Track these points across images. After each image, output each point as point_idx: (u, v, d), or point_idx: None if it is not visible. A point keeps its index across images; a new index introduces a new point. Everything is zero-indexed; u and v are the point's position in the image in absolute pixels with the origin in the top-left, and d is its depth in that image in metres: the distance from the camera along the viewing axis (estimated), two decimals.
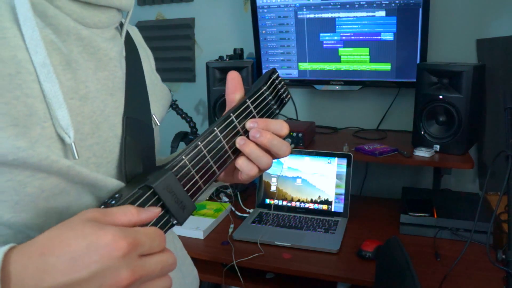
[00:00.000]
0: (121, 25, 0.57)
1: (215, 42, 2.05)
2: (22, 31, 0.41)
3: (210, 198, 1.76)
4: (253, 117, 0.57)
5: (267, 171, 1.62)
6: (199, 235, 1.44)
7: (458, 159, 1.47)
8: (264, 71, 1.90)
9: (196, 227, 1.46)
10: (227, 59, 1.79)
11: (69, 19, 0.47)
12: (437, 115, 1.51)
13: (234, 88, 0.58)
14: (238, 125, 0.55)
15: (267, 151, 0.55)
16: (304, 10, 1.75)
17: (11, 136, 0.39)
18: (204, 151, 0.52)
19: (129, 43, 0.59)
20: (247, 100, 0.57)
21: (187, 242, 1.41)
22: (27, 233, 0.42)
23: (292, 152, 1.60)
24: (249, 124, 0.56)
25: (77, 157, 0.44)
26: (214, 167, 0.54)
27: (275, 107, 0.60)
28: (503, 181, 0.87)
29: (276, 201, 1.62)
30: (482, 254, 1.26)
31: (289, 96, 0.64)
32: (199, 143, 0.52)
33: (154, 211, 0.43)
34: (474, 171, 1.76)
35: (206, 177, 0.53)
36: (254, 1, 1.79)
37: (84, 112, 0.47)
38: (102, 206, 0.45)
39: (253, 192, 1.74)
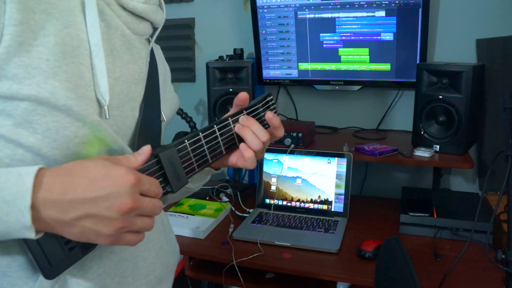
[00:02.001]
0: (149, 40, 0.72)
1: (215, 42, 2.05)
2: (86, 20, 0.56)
3: (210, 198, 1.76)
4: None
5: (267, 171, 1.62)
6: (199, 235, 1.44)
7: (458, 159, 1.47)
8: (264, 71, 1.90)
9: (196, 227, 1.47)
10: (227, 59, 1.79)
11: (118, 19, 0.62)
12: (437, 115, 1.51)
13: (241, 105, 0.72)
14: (233, 128, 0.69)
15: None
16: (304, 10, 1.75)
17: (65, 87, 0.52)
18: (203, 141, 0.65)
19: (152, 55, 0.72)
20: (244, 111, 0.71)
21: (187, 242, 1.41)
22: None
23: (292, 152, 1.61)
24: (241, 118, 0.70)
25: (108, 117, 0.57)
26: (208, 156, 0.66)
27: (265, 122, 0.73)
28: (503, 181, 0.87)
29: (276, 201, 1.62)
30: (482, 254, 1.26)
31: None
32: (200, 133, 0.65)
33: (145, 152, 0.55)
34: (474, 171, 1.76)
35: (200, 162, 0.65)
36: (254, 1, 1.79)
37: (115, 90, 0.60)
38: None
39: (253, 192, 1.74)
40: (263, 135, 0.68)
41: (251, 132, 0.68)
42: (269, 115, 0.71)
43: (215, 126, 0.66)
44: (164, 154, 0.58)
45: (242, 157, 0.69)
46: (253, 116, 0.71)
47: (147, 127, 0.65)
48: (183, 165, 0.61)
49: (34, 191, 0.45)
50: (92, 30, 0.56)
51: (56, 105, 0.51)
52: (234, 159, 0.71)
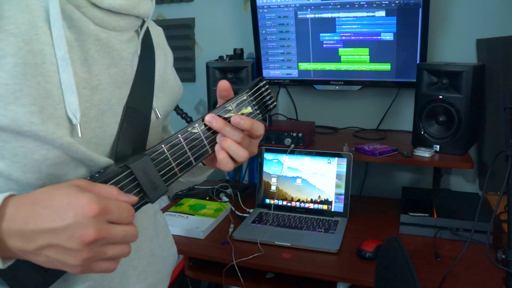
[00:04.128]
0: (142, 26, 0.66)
1: (215, 42, 2.05)
2: (51, 30, 0.52)
3: (210, 198, 1.76)
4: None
5: (267, 171, 1.62)
6: (199, 235, 1.44)
7: (458, 159, 1.47)
8: (264, 71, 1.90)
9: (196, 227, 1.46)
10: (227, 59, 1.79)
11: (90, 23, 0.57)
12: (437, 115, 1.51)
13: (225, 96, 0.65)
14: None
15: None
16: (304, 10, 1.75)
17: (28, 112, 0.49)
18: (183, 143, 0.59)
19: (147, 44, 0.67)
20: (229, 102, 0.63)
21: (187, 242, 1.41)
22: (29, 191, 0.50)
23: (292, 152, 1.60)
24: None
25: (80, 136, 0.53)
26: (191, 158, 0.60)
27: (258, 112, 0.66)
28: (503, 181, 0.87)
29: (276, 201, 1.62)
30: (482, 254, 1.26)
31: (274, 103, 0.70)
32: (179, 135, 0.59)
33: (131, 198, 0.51)
34: (474, 171, 1.76)
35: (182, 165, 0.59)
36: (254, 1, 1.79)
37: (93, 100, 0.56)
38: (88, 178, 0.53)
39: (253, 192, 1.74)
40: (237, 135, 0.61)
41: (230, 141, 0.61)
42: (235, 119, 0.61)
43: (196, 125, 0.60)
44: (135, 165, 0.54)
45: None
46: (242, 107, 0.64)
47: (130, 130, 0.61)
48: (161, 173, 0.57)
49: None
50: (57, 42, 0.51)
51: (20, 131, 0.49)
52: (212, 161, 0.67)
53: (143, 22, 0.66)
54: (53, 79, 0.51)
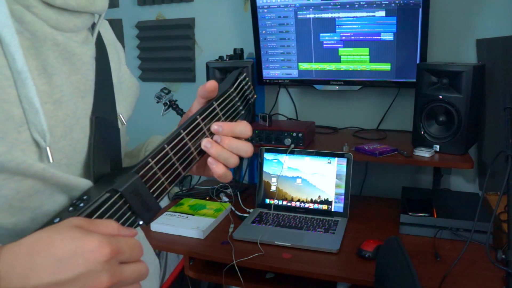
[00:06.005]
0: (93, 25, 0.59)
1: (215, 42, 2.05)
2: (0, 37, 0.42)
3: (210, 198, 1.76)
4: (219, 119, 0.59)
5: (267, 171, 1.62)
6: (199, 235, 1.44)
7: (458, 159, 1.47)
8: (264, 71, 1.90)
9: (196, 227, 1.46)
10: (227, 59, 1.79)
11: (45, 25, 0.48)
12: (437, 115, 1.51)
13: (210, 97, 0.59)
14: (204, 127, 0.58)
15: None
16: (304, 10, 1.75)
17: None
18: (171, 154, 0.54)
19: (99, 43, 0.60)
20: (214, 103, 0.59)
21: (187, 242, 1.41)
22: (1, 232, 0.44)
23: (292, 152, 1.61)
24: (213, 127, 0.58)
25: (51, 161, 0.46)
26: (180, 168, 0.56)
27: (241, 107, 0.63)
28: (503, 181, 0.87)
29: (276, 201, 1.62)
30: (482, 254, 1.26)
31: (255, 96, 0.67)
32: (166, 146, 0.54)
33: (133, 232, 0.46)
34: (474, 171, 1.76)
35: (171, 178, 0.55)
36: (254, 1, 1.79)
37: (58, 116, 0.49)
38: (71, 208, 0.47)
39: (253, 192, 1.74)
40: (243, 147, 0.58)
41: (224, 151, 0.57)
42: (214, 127, 0.57)
43: (182, 131, 0.55)
44: (126, 188, 0.48)
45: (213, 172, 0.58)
46: (226, 105, 0.60)
47: (102, 144, 0.54)
48: (151, 190, 0.52)
49: None
50: (11, 52, 0.43)
51: None
52: (206, 171, 0.63)
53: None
54: (10, 97, 0.43)
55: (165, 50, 2.15)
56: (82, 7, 0.51)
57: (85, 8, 0.52)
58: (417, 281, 0.89)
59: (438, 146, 1.51)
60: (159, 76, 2.20)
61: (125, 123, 0.62)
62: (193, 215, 1.58)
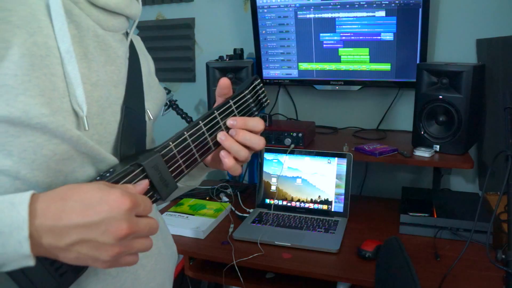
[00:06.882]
0: (127, 33, 0.67)
1: (215, 42, 2.05)
2: (53, 24, 0.52)
3: (210, 198, 1.76)
4: (234, 115, 0.66)
5: (267, 171, 1.62)
6: (199, 235, 1.44)
7: (458, 159, 1.47)
8: (264, 71, 1.90)
9: (196, 227, 1.47)
10: (227, 59, 1.79)
11: (89, 19, 0.57)
12: (437, 115, 1.51)
13: (225, 93, 0.66)
14: (220, 121, 0.64)
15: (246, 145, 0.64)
16: (304, 10, 1.75)
17: (38, 103, 0.48)
18: (189, 140, 0.60)
19: (132, 48, 0.68)
20: (230, 101, 0.65)
21: (187, 242, 1.41)
22: (38, 190, 0.49)
23: (292, 152, 1.61)
24: (229, 121, 0.64)
25: (87, 129, 0.54)
26: (196, 155, 0.62)
27: (254, 109, 0.69)
28: (503, 181, 0.87)
29: (276, 201, 1.62)
30: (482, 254, 1.26)
31: (268, 101, 0.73)
32: (185, 132, 0.60)
33: (144, 183, 0.53)
34: (474, 171, 1.76)
35: (188, 162, 0.61)
36: (254, 1, 1.79)
37: (93, 96, 0.56)
38: (98, 178, 0.54)
39: (253, 192, 1.74)
40: (256, 141, 0.63)
41: (237, 145, 0.62)
42: (229, 121, 0.63)
43: (200, 122, 0.62)
44: (148, 162, 0.55)
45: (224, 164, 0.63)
46: (241, 104, 0.66)
47: (130, 130, 0.61)
48: (170, 169, 0.58)
49: (30, 220, 0.43)
50: (60, 35, 0.52)
51: (30, 124, 0.48)
52: (217, 163, 0.68)
53: (132, 25, 0.67)
54: (57, 71, 0.51)
55: (165, 50, 2.15)
56: (120, 8, 0.60)
57: (122, 10, 0.61)
58: (417, 281, 0.89)
59: (438, 146, 1.51)
60: (159, 76, 2.15)
61: (152, 118, 0.68)
62: (193, 215, 1.58)
